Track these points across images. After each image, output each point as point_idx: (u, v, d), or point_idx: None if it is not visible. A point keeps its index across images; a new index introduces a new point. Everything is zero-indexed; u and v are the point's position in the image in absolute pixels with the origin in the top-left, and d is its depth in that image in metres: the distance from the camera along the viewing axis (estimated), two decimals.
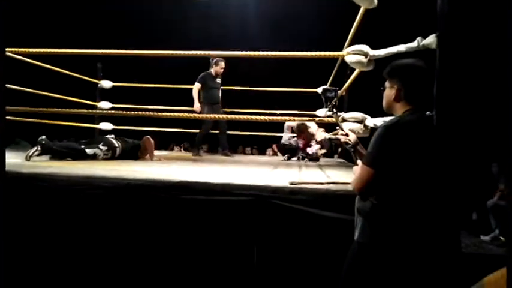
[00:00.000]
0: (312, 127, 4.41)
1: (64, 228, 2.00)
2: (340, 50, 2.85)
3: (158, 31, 6.13)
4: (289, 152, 4.53)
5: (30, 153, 2.81)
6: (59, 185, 1.99)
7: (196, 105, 4.62)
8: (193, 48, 2.95)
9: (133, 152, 3.51)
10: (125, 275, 1.96)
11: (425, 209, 1.37)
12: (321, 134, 4.43)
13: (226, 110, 5.00)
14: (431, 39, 1.85)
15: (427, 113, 1.63)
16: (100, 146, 3.23)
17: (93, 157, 3.17)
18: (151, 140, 3.61)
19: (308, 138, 4.57)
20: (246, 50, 2.80)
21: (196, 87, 4.66)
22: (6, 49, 3.25)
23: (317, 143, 4.38)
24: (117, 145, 3.36)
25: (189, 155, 5.11)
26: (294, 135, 4.65)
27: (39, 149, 2.87)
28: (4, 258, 1.82)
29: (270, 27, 6.12)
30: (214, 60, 4.65)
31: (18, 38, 3.86)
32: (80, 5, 5.98)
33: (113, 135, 3.55)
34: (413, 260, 1.36)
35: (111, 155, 3.29)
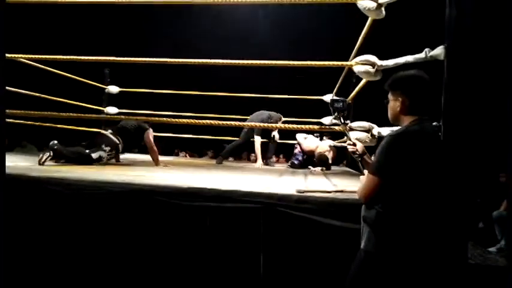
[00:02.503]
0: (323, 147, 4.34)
1: (74, 232, 2.02)
2: (346, 58, 2.87)
3: (163, 37, 6.20)
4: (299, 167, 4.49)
5: (44, 158, 2.86)
6: (71, 189, 2.01)
7: (260, 163, 4.50)
8: (198, 55, 2.97)
9: (137, 136, 3.54)
10: (133, 279, 1.97)
11: (431, 219, 1.38)
12: (327, 142, 4.42)
13: (232, 116, 4.99)
14: (439, 51, 1.87)
15: (434, 123, 1.65)
16: (103, 147, 3.29)
17: (99, 160, 3.23)
18: (150, 135, 3.59)
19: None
20: (252, 59, 2.81)
21: (259, 141, 4.51)
22: (17, 55, 3.31)
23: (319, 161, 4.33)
24: (118, 141, 3.41)
25: (195, 161, 5.13)
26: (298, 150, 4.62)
27: (51, 154, 2.91)
28: (10, 259, 1.84)
29: (278, 36, 6.16)
30: (271, 120, 4.49)
31: (28, 44, 3.91)
32: (88, 12, 6.05)
33: (110, 130, 3.54)
34: (419, 270, 1.37)
35: (116, 152, 3.36)
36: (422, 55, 1.99)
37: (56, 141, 2.98)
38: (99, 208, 2.00)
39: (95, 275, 1.99)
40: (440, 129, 1.69)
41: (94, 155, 3.21)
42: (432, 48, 1.93)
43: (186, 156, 6.38)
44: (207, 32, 6.13)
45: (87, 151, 3.21)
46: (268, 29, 6.18)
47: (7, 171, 2.21)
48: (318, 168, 4.12)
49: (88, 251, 2.00)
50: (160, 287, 1.95)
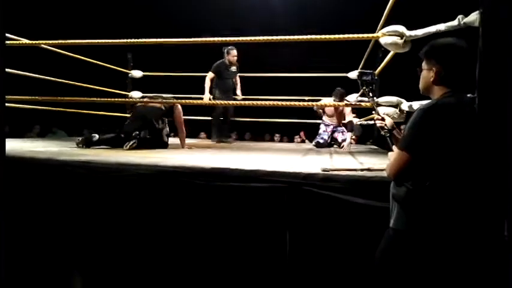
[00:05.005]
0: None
1: (100, 213, 2.07)
2: (370, 31, 2.73)
3: (182, 18, 6.14)
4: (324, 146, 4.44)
5: (129, 145, 2.99)
6: (97, 172, 2.05)
7: (207, 96, 4.55)
8: (218, 33, 2.92)
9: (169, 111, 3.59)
10: (158, 259, 2.01)
11: (465, 196, 1.31)
12: (351, 119, 4.33)
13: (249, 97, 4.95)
14: (473, 17, 1.74)
15: (468, 95, 1.55)
16: (157, 125, 3.33)
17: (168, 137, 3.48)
18: (179, 108, 3.60)
19: (339, 118, 4.49)
20: (271, 35, 2.74)
21: (209, 76, 4.62)
22: (41, 41, 3.36)
23: (345, 126, 4.29)
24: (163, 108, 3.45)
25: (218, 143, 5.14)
26: (324, 129, 4.55)
27: (136, 142, 3.03)
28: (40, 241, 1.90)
29: (294, 8, 5.95)
30: (226, 49, 4.61)
31: (50, 29, 3.97)
32: None
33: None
34: (452, 248, 1.31)
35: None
36: (455, 22, 1.87)
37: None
38: (124, 190, 2.03)
39: (118, 255, 2.04)
40: (475, 102, 1.59)
41: (165, 139, 3.37)
42: (466, 15, 1.81)
43: (204, 138, 6.38)
44: (224, 10, 6.01)
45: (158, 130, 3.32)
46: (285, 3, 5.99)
47: (38, 156, 2.28)
48: (347, 142, 4.06)
49: (114, 231, 2.04)
50: (182, 266, 1.98)
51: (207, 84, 4.60)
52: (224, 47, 4.61)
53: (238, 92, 4.87)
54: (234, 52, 4.62)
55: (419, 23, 2.23)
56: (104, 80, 4.88)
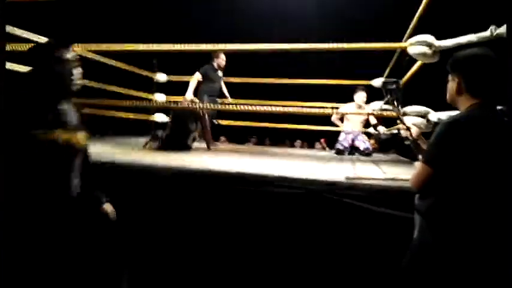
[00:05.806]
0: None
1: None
2: (395, 39, 2.69)
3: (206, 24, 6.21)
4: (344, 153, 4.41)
5: (150, 146, 3.23)
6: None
7: (189, 96, 4.43)
8: (245, 39, 2.94)
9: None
10: (183, 260, 2.03)
11: (489, 211, 1.28)
12: (380, 129, 4.29)
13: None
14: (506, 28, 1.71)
15: (498, 107, 1.51)
16: (191, 127, 3.48)
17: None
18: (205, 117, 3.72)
19: (362, 123, 4.46)
20: (293, 42, 2.75)
21: (196, 77, 4.49)
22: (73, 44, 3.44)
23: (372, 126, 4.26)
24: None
25: (239, 147, 5.17)
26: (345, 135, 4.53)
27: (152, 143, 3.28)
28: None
29: (318, 15, 5.90)
30: (215, 52, 4.51)
31: (79, 34, 4.07)
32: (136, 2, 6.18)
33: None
34: (477, 262, 1.28)
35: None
36: (487, 33, 1.84)
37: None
38: (157, 192, 2.05)
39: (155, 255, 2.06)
40: (504, 113, 1.55)
41: (189, 142, 3.43)
42: (499, 26, 1.77)
43: (225, 141, 6.40)
44: (246, 16, 6.02)
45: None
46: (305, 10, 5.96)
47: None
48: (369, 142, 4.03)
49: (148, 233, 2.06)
50: (207, 267, 1.99)
51: (193, 84, 4.45)
52: (213, 51, 4.44)
53: (228, 95, 4.83)
54: (223, 56, 4.53)
55: (449, 33, 2.19)
56: (129, 82, 4.96)
